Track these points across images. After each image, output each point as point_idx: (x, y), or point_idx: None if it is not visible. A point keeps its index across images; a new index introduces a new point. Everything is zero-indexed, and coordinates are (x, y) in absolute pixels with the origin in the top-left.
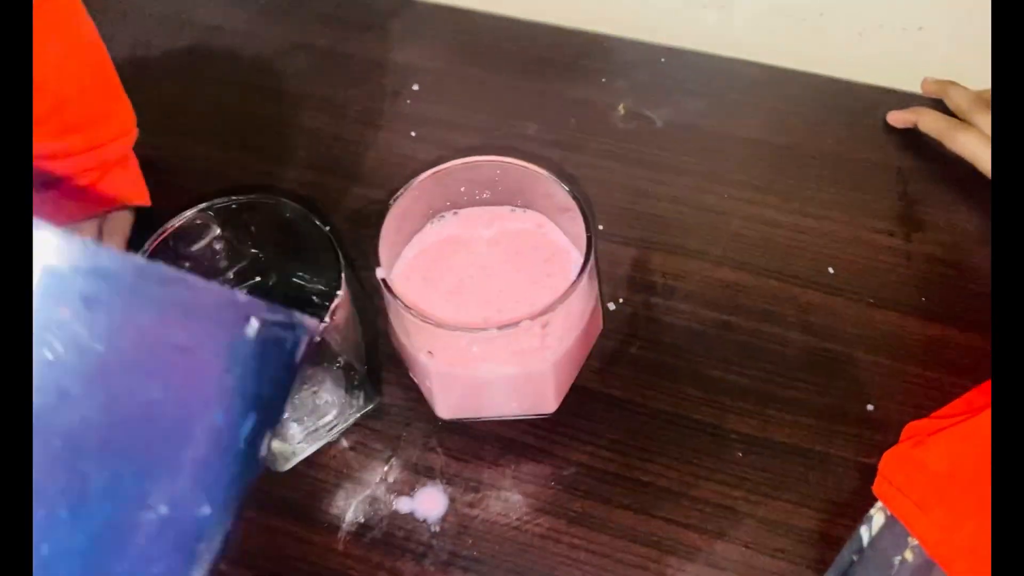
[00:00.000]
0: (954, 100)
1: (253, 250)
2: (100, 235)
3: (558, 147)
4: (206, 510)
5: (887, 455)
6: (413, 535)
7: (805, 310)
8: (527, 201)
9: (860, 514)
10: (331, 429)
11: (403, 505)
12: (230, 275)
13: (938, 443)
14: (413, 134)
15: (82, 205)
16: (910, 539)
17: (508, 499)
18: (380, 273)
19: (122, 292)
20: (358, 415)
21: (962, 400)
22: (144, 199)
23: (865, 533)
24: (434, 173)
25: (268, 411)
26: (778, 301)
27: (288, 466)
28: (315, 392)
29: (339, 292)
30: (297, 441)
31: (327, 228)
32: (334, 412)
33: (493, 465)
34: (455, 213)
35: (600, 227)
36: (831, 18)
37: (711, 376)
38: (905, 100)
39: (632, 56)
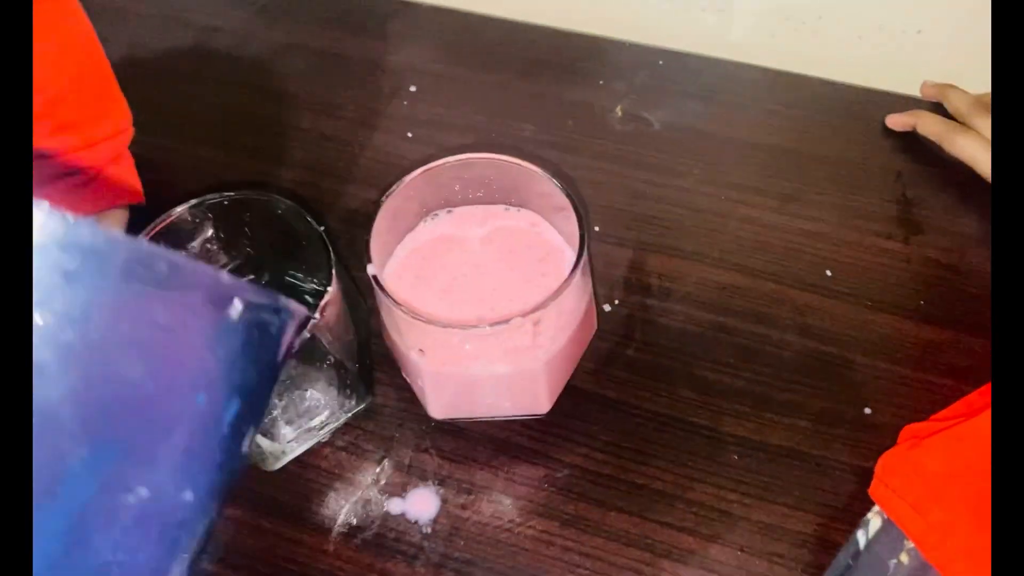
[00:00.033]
0: (953, 103)
1: (246, 248)
2: None
3: (555, 148)
4: (188, 496)
5: (884, 457)
6: (404, 537)
7: (802, 312)
8: (521, 200)
9: (857, 518)
10: (322, 429)
11: (395, 506)
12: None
13: (935, 445)
14: (409, 135)
15: (77, 203)
16: (906, 542)
17: (501, 501)
18: (371, 270)
19: (103, 268)
20: (349, 415)
21: (962, 402)
22: (138, 198)
23: (862, 537)
24: (427, 170)
25: (253, 399)
26: (775, 303)
27: (278, 465)
28: (305, 390)
29: (330, 288)
30: (287, 440)
31: (321, 228)
32: (326, 413)
33: (486, 466)
34: (449, 212)
35: (596, 228)
36: (830, 21)
37: (707, 378)
38: (904, 104)
39: (630, 58)
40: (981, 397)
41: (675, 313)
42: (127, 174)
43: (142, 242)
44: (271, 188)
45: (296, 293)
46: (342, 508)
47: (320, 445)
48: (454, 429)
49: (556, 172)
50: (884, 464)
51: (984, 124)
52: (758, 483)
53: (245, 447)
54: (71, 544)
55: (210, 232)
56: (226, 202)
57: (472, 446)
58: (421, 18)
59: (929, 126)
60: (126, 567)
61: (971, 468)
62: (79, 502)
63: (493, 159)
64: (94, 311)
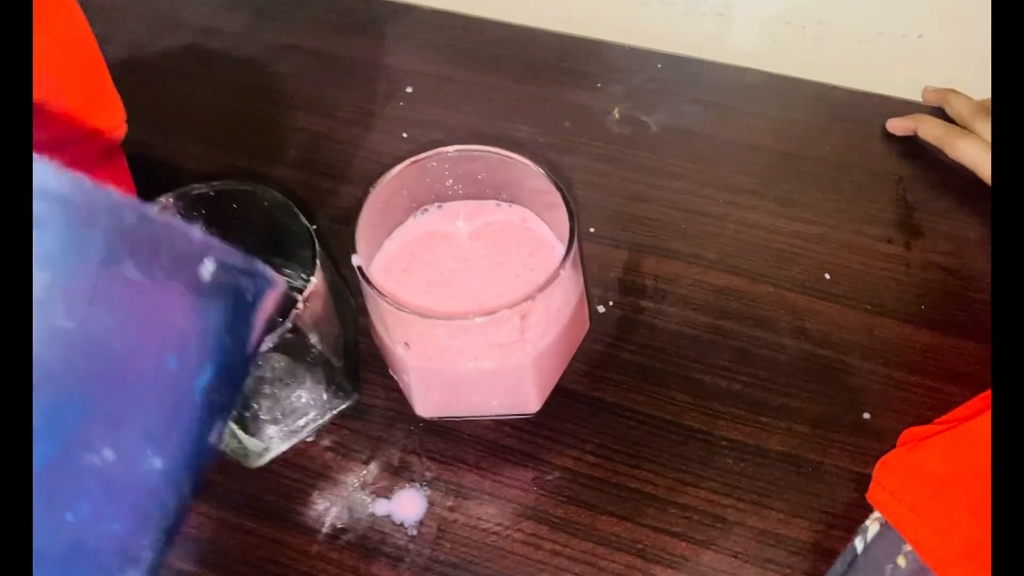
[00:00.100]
0: (955, 108)
1: (232, 240)
2: None
3: (551, 150)
4: (157, 463)
5: (882, 460)
6: (389, 539)
7: (800, 316)
8: (513, 195)
9: (855, 525)
10: (306, 426)
11: (380, 508)
12: None
13: (933, 447)
14: (405, 135)
15: None
16: (903, 545)
17: (489, 503)
18: (356, 260)
19: (67, 215)
20: (334, 413)
21: (965, 406)
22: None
23: (860, 544)
24: (416, 161)
25: (228, 371)
26: (772, 306)
27: (260, 462)
28: (290, 386)
29: (313, 279)
30: (270, 437)
31: (313, 228)
32: (310, 409)
33: (474, 468)
34: (439, 207)
35: (591, 230)
36: (831, 25)
37: (702, 381)
38: (905, 108)
39: (629, 62)
40: (982, 402)
41: (670, 315)
42: (119, 171)
43: (110, 191)
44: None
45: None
46: (326, 509)
47: (306, 444)
48: (442, 430)
49: (549, 169)
50: (882, 467)
51: (986, 128)
52: (753, 488)
53: (215, 435)
54: (39, 511)
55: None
56: (212, 192)
57: (461, 447)
58: (419, 21)
59: (930, 130)
60: (95, 536)
61: (969, 470)
62: (40, 460)
63: (484, 151)
64: (57, 260)
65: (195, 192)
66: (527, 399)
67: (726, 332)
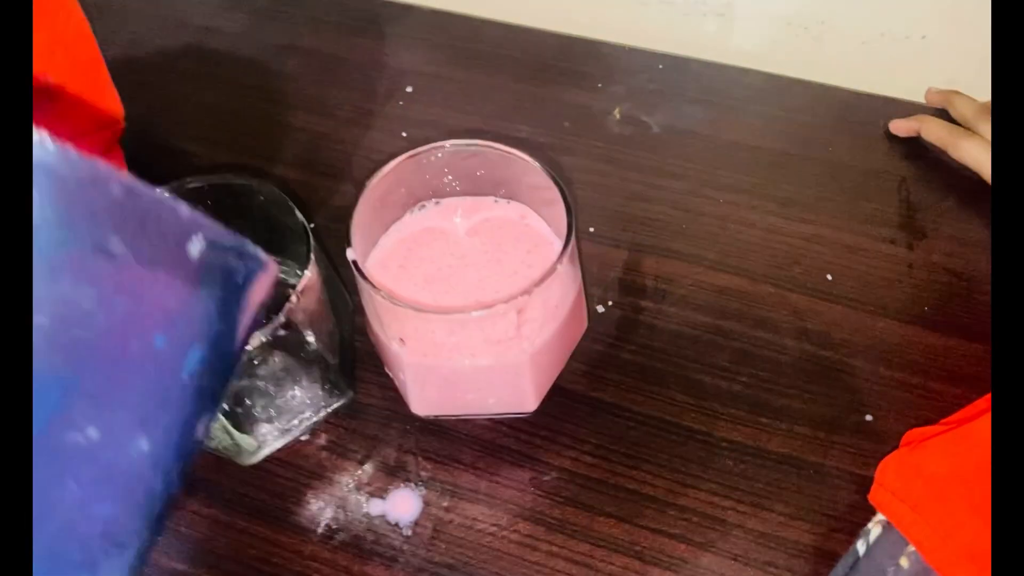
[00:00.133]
0: (959, 109)
1: None
2: None
3: (551, 149)
4: (144, 445)
5: (884, 461)
6: (384, 539)
7: (802, 317)
8: (511, 192)
9: (856, 528)
10: (301, 424)
11: (375, 508)
12: None
13: (936, 446)
14: (404, 135)
15: None
16: (906, 546)
17: (485, 504)
18: (351, 254)
19: (53, 185)
20: (329, 410)
21: (969, 408)
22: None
23: (862, 547)
24: (414, 155)
25: (218, 354)
26: (773, 307)
27: (254, 460)
28: (284, 382)
29: (307, 272)
30: (263, 433)
31: (311, 226)
32: (304, 406)
33: (471, 468)
34: (436, 203)
35: (591, 229)
36: (833, 26)
37: (702, 382)
38: (907, 111)
39: (630, 63)
40: (986, 403)
41: (670, 316)
42: (117, 167)
43: (96, 161)
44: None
45: (281, 288)
46: (320, 508)
47: (300, 443)
48: (438, 429)
49: (548, 164)
50: (885, 468)
51: (990, 130)
52: (754, 490)
53: (202, 431)
54: None
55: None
56: (206, 186)
57: (457, 447)
58: (420, 22)
59: (934, 131)
60: (80, 517)
61: (973, 471)
62: None
63: (481, 146)
64: (41, 231)
65: (189, 186)
66: (524, 397)
67: (726, 333)
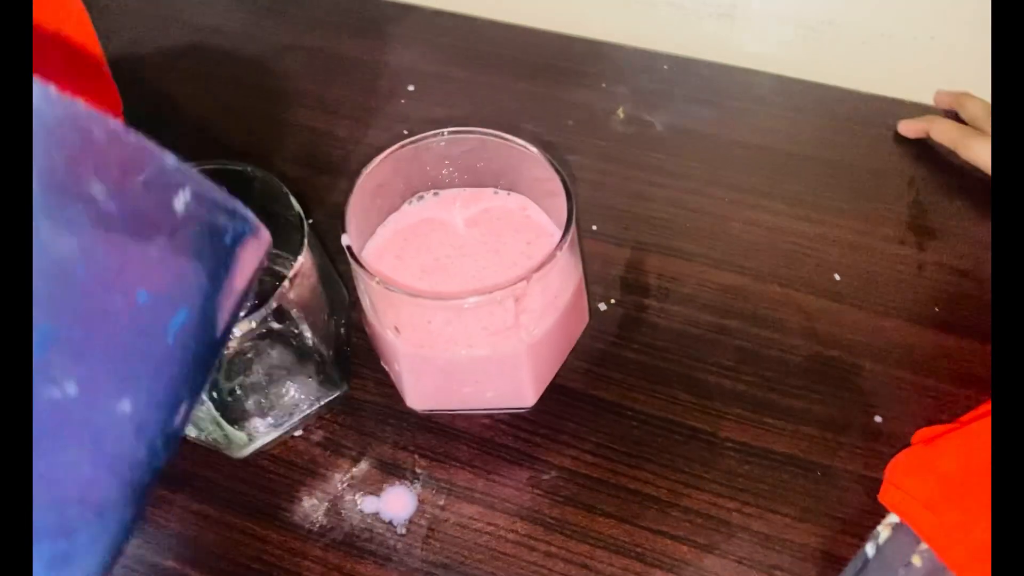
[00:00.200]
0: (969, 111)
1: None
2: None
3: (554, 148)
4: (126, 406)
5: (895, 459)
6: (378, 538)
7: (809, 317)
8: (511, 183)
9: (865, 531)
10: (293, 417)
11: (369, 505)
12: None
13: (949, 443)
14: (406, 132)
15: None
16: (919, 544)
17: (482, 502)
18: (345, 240)
19: (33, 127)
20: (322, 404)
21: (983, 407)
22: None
23: (871, 549)
24: (409, 144)
25: (204, 317)
26: (779, 306)
27: (245, 452)
28: (274, 372)
29: (300, 258)
30: (254, 426)
31: (310, 222)
32: (297, 399)
33: (467, 466)
34: (435, 194)
35: (594, 227)
36: (840, 27)
37: (706, 381)
38: (916, 112)
39: (634, 63)
40: None
41: (674, 314)
42: None
43: (78, 102)
44: None
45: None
46: (313, 505)
47: (294, 439)
48: (435, 426)
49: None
50: (895, 465)
51: None
52: (759, 491)
53: (180, 420)
54: None
55: None
56: (199, 171)
57: (454, 444)
58: (422, 21)
59: (943, 132)
60: (58, 478)
61: (985, 468)
62: None
63: (480, 132)
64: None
65: None
66: (522, 391)
67: (731, 332)
